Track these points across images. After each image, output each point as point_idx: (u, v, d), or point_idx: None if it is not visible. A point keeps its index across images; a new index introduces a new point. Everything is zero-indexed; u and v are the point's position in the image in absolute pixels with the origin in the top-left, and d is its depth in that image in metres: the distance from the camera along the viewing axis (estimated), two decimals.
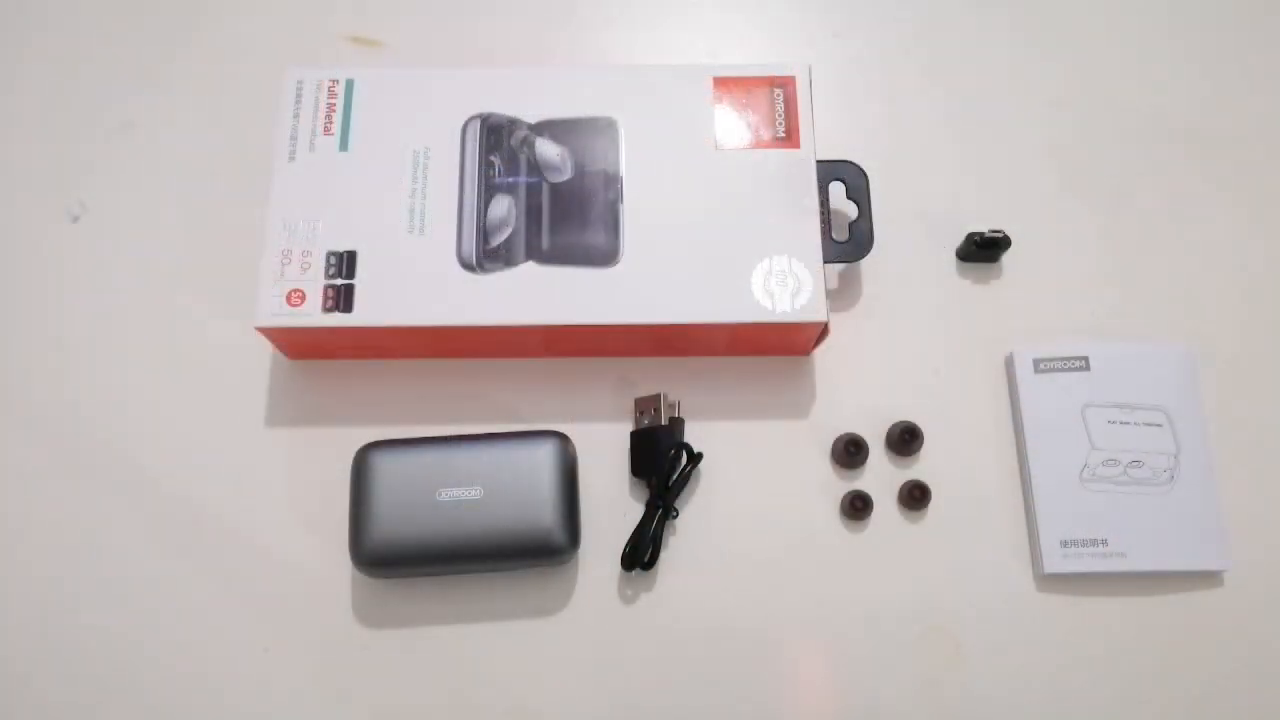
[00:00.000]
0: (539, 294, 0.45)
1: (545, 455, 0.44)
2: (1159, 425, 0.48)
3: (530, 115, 0.48)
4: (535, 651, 0.45)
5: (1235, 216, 0.53)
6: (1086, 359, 0.49)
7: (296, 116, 0.47)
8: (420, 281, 0.45)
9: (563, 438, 0.45)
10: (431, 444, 0.45)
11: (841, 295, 0.51)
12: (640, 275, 0.45)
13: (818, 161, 0.47)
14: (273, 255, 0.45)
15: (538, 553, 0.44)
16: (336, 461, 0.46)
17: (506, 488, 0.43)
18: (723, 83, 0.48)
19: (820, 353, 0.49)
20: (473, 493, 0.43)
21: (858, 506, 0.46)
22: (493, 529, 0.43)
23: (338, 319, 0.45)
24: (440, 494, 0.43)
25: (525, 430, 0.45)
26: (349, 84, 0.48)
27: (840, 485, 0.48)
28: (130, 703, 0.44)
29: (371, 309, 0.45)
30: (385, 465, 0.44)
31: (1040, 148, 0.54)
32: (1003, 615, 0.46)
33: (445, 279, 0.45)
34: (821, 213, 0.47)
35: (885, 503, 0.47)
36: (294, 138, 0.47)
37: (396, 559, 0.43)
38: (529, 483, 0.43)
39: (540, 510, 0.43)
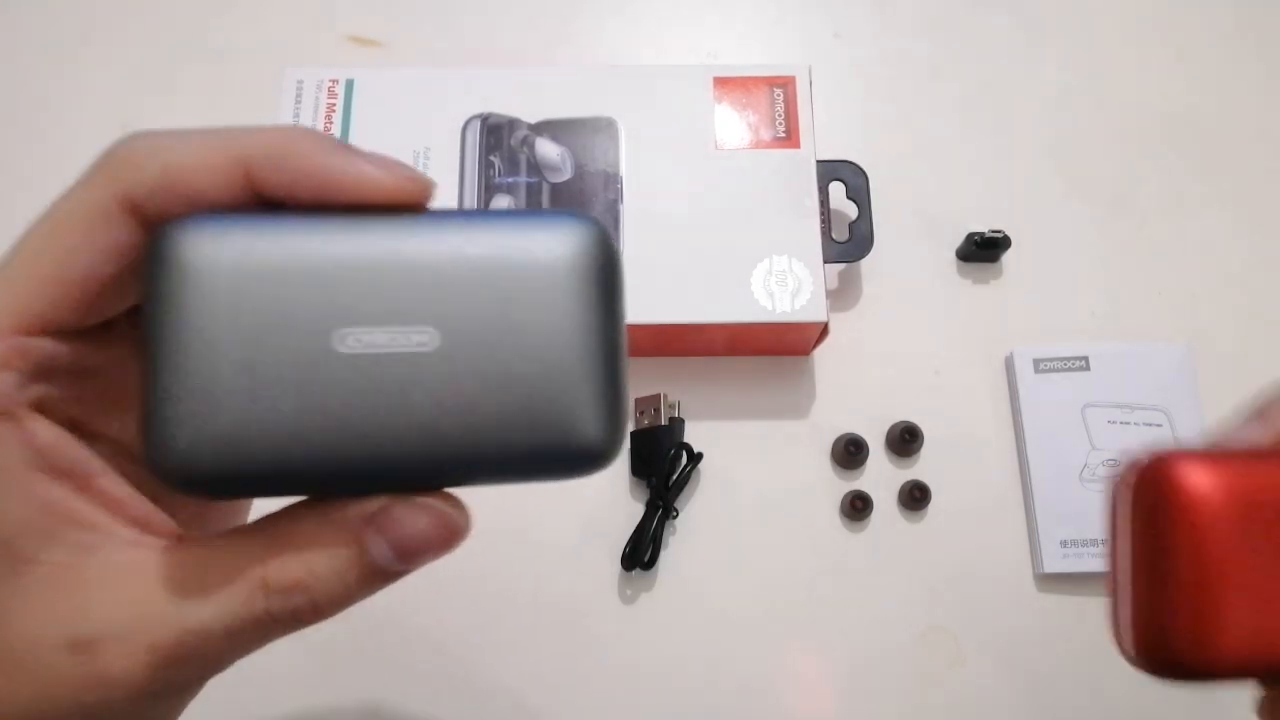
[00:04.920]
0: None
1: (560, 259, 0.22)
2: (1159, 425, 0.48)
3: (530, 115, 0.48)
4: (534, 651, 0.45)
5: (1235, 217, 0.53)
6: (1086, 359, 0.49)
7: (296, 116, 0.47)
8: None
9: (597, 226, 0.22)
10: (322, 222, 0.21)
11: (841, 295, 0.51)
12: (640, 275, 0.45)
13: (818, 161, 0.47)
14: None
15: (549, 461, 0.22)
16: None
17: (484, 328, 0.21)
18: (723, 83, 0.48)
19: (820, 353, 0.49)
20: (415, 337, 0.21)
21: (858, 506, 0.46)
22: (456, 416, 0.21)
23: None
24: (342, 338, 0.21)
25: (518, 211, 0.24)
26: (349, 84, 0.48)
27: (840, 485, 0.48)
28: None
29: None
30: (218, 269, 0.20)
31: (1040, 148, 0.54)
32: (1003, 615, 0.46)
33: None
34: (821, 213, 0.47)
35: (885, 503, 0.47)
36: None
37: (237, 475, 0.20)
38: (528, 317, 0.22)
39: (552, 372, 0.22)
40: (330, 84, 0.48)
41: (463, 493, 0.22)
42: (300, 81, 0.48)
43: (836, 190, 0.49)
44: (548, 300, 0.22)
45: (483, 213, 0.22)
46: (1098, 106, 0.55)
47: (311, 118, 0.47)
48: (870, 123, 0.55)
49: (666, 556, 0.47)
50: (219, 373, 0.20)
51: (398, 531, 0.21)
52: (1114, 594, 0.27)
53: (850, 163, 0.50)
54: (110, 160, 0.21)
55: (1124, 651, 0.26)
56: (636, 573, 0.46)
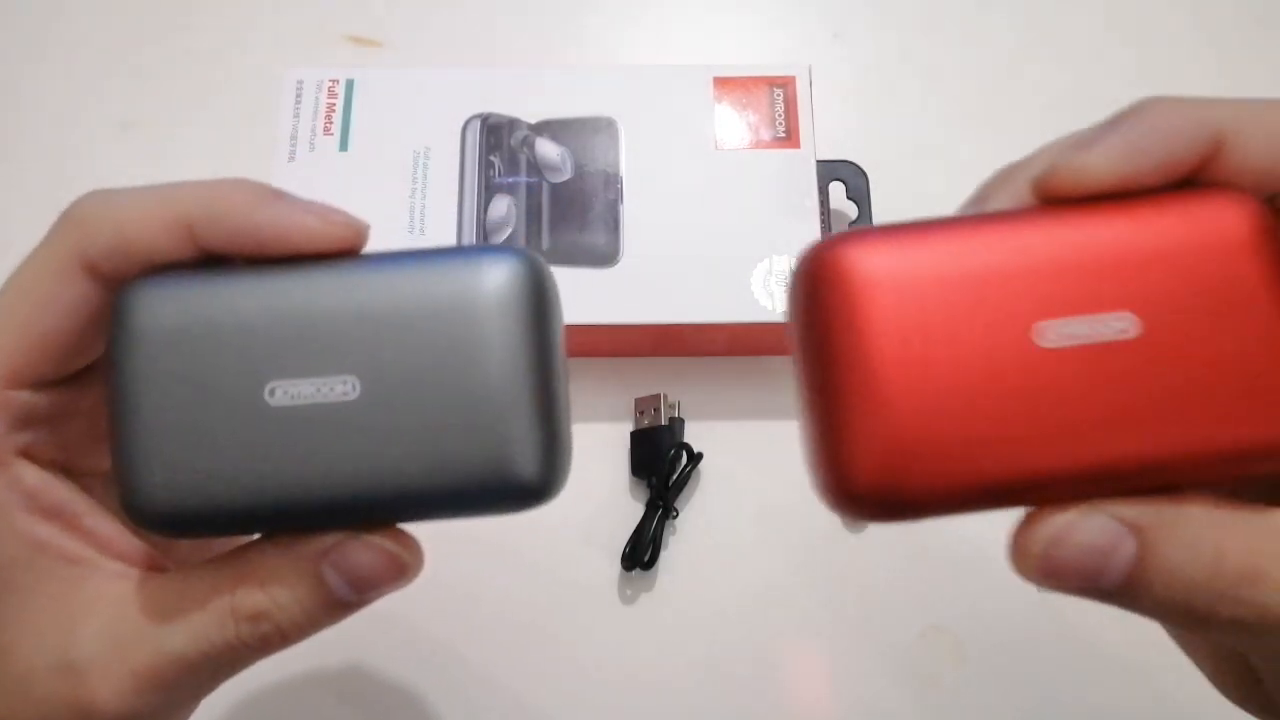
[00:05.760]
0: None
1: (480, 296, 0.22)
2: None
3: (530, 115, 0.48)
4: (533, 651, 0.45)
5: None
6: None
7: (296, 116, 0.47)
8: None
9: (524, 258, 0.23)
10: (258, 277, 0.22)
11: None
12: (640, 275, 0.45)
13: (818, 161, 0.47)
14: None
15: (484, 498, 0.22)
16: None
17: (407, 372, 0.22)
18: (723, 83, 0.48)
19: None
20: (339, 387, 0.22)
21: None
22: (385, 461, 0.22)
23: None
24: (272, 391, 0.22)
25: (449, 249, 0.23)
26: (349, 84, 0.48)
27: None
28: None
29: None
30: (159, 330, 0.22)
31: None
32: (1004, 615, 0.46)
33: None
34: (821, 213, 0.47)
35: None
36: (294, 138, 0.47)
37: (193, 517, 0.22)
38: (452, 358, 0.22)
39: (480, 411, 0.22)
40: (330, 84, 0.48)
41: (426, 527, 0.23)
42: (300, 81, 0.48)
43: (836, 190, 0.49)
44: (470, 338, 0.22)
45: (414, 253, 0.23)
46: (1098, 107, 0.55)
47: (311, 118, 0.47)
48: (870, 123, 0.54)
49: (666, 556, 0.47)
50: (167, 426, 0.22)
51: (348, 565, 0.22)
52: (802, 428, 0.21)
53: (850, 163, 0.50)
54: (67, 223, 0.23)
55: (819, 496, 0.21)
56: (636, 573, 0.46)
